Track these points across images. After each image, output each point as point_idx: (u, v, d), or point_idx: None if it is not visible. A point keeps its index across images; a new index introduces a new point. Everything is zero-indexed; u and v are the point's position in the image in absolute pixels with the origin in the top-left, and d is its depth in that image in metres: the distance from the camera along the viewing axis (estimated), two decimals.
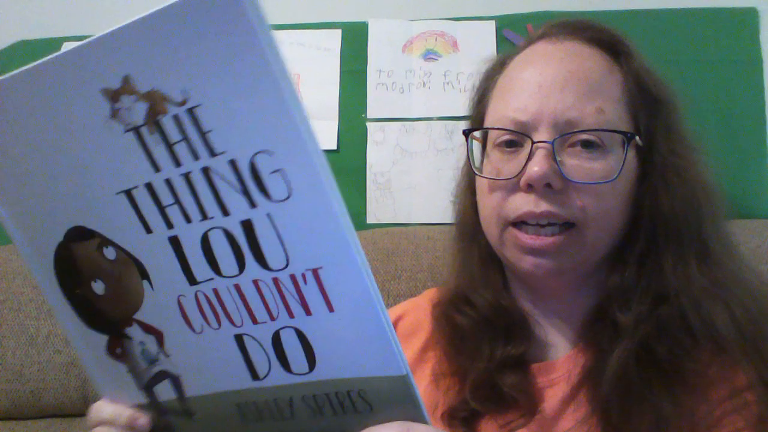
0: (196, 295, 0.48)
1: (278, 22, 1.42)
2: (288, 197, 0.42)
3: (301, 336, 0.46)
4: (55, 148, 0.47)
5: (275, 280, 0.45)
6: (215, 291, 0.47)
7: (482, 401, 0.67)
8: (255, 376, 0.50)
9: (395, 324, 0.81)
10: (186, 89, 0.41)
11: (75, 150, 0.47)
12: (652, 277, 0.65)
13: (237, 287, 0.47)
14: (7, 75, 0.46)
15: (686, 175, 0.67)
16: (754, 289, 0.66)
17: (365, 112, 1.41)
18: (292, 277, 0.45)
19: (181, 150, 0.43)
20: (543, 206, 0.64)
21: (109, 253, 0.50)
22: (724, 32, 1.33)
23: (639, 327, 0.63)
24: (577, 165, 0.64)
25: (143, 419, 0.55)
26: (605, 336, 0.65)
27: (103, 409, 0.56)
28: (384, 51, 1.43)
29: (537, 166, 0.63)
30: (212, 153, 0.43)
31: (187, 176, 0.44)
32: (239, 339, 0.49)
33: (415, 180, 1.39)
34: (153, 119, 0.43)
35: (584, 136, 0.64)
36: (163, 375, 0.53)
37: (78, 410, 1.20)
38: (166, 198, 0.45)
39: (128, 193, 0.46)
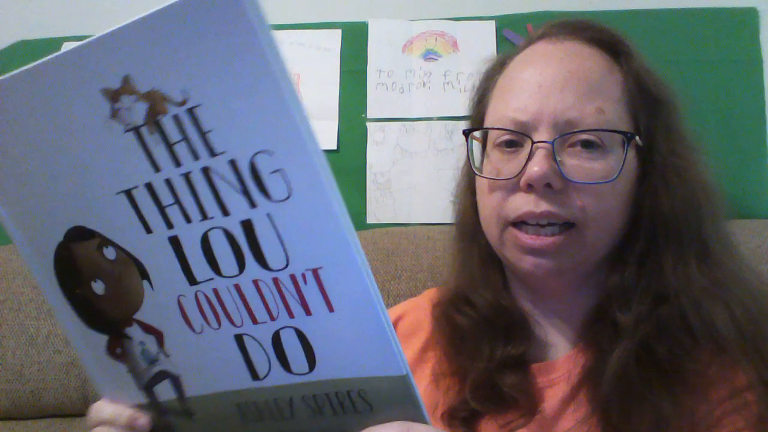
0: (196, 295, 0.48)
1: (278, 22, 1.42)
2: (288, 197, 0.42)
3: (301, 336, 0.46)
4: (55, 148, 0.47)
5: (275, 280, 0.45)
6: (215, 291, 0.47)
7: (482, 401, 0.67)
8: (255, 376, 0.49)
9: (395, 324, 0.81)
10: (186, 89, 0.41)
11: (75, 150, 0.47)
12: (652, 277, 0.65)
13: (237, 287, 0.47)
14: (8, 75, 0.46)
15: (686, 175, 0.67)
16: (754, 289, 0.66)
17: (365, 112, 1.41)
18: (292, 277, 0.45)
19: (181, 150, 0.43)
20: (543, 206, 0.64)
21: (109, 253, 0.50)
22: (724, 32, 1.33)
23: (639, 327, 0.63)
24: (577, 165, 0.64)
25: (143, 419, 0.55)
26: (605, 336, 0.65)
27: (103, 409, 0.56)
28: (384, 51, 1.43)
29: (537, 166, 0.63)
30: (212, 153, 0.43)
31: (187, 176, 0.44)
32: (239, 339, 0.49)
33: (415, 180, 1.39)
34: (153, 119, 0.43)
35: (584, 136, 0.64)
36: (163, 375, 0.53)
37: (78, 410, 1.20)
38: (166, 198, 0.45)
39: (128, 193, 0.46)
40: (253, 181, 0.42)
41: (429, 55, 1.42)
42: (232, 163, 0.42)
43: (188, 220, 0.46)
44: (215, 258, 0.46)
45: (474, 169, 0.72)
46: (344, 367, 0.47)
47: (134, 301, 0.51)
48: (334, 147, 1.40)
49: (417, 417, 0.47)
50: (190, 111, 0.42)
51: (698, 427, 0.60)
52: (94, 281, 0.52)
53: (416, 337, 0.78)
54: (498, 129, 0.68)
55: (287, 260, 0.44)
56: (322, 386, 0.48)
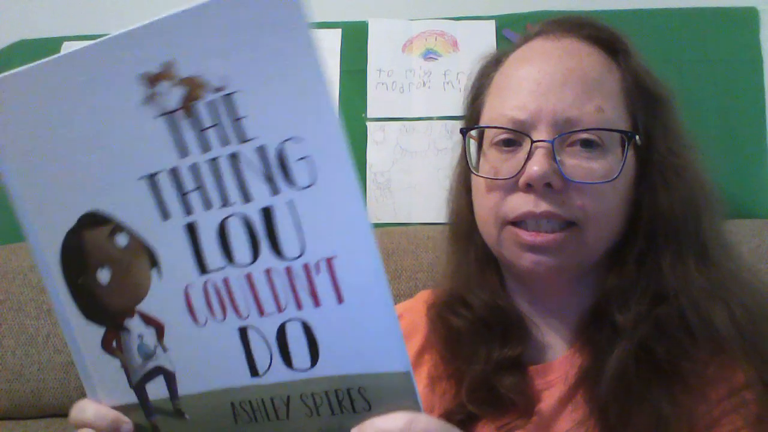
0: (204, 285, 0.49)
1: None
2: (311, 184, 0.44)
3: (306, 329, 0.47)
4: (83, 132, 0.48)
5: (288, 270, 0.46)
6: (225, 281, 0.48)
7: (479, 404, 0.67)
8: (254, 372, 0.49)
9: None
10: (225, 76, 0.43)
11: (103, 134, 0.48)
12: (650, 277, 0.65)
13: (248, 277, 0.47)
14: (48, 59, 0.47)
15: (684, 175, 0.67)
16: (752, 288, 0.65)
17: (365, 111, 1.41)
18: (305, 267, 0.45)
19: (212, 135, 0.45)
20: (543, 206, 0.63)
21: (121, 240, 0.50)
22: (724, 32, 1.33)
23: (638, 327, 0.63)
24: (577, 165, 0.64)
25: (127, 426, 0.54)
26: (603, 336, 0.64)
27: (86, 408, 0.54)
28: (384, 50, 1.43)
29: (537, 166, 0.62)
30: (242, 139, 0.44)
31: (213, 162, 0.46)
32: (243, 332, 0.49)
33: (415, 180, 1.39)
34: (188, 104, 0.44)
35: (584, 136, 0.64)
36: (157, 371, 0.52)
37: None
38: (189, 183, 0.47)
39: (151, 179, 0.47)
40: (279, 168, 0.44)
41: (429, 55, 1.42)
42: (261, 150, 0.44)
43: (208, 206, 0.47)
44: (230, 246, 0.47)
45: (471, 169, 0.71)
46: (347, 363, 0.47)
47: (139, 291, 0.51)
48: None
49: None
50: (226, 97, 0.43)
51: (697, 426, 0.59)
52: (100, 270, 0.52)
53: (412, 340, 0.77)
54: (496, 128, 0.67)
55: (302, 249, 0.45)
56: (323, 383, 0.48)
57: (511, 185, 0.66)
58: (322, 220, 0.44)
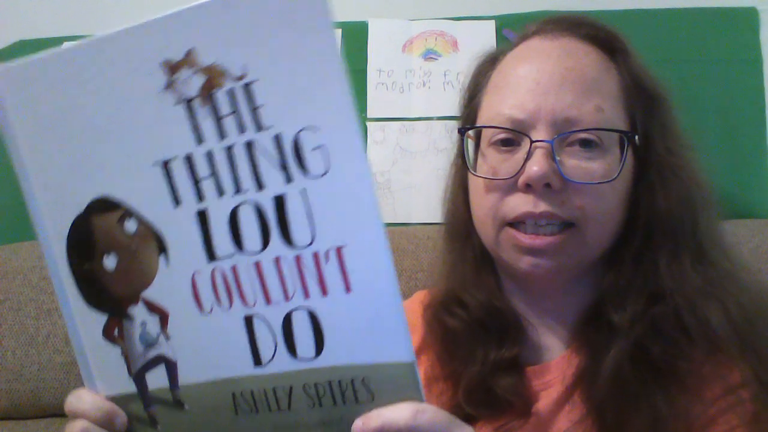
0: (212, 273, 0.49)
1: None
2: (325, 173, 0.44)
3: (313, 318, 0.47)
4: (100, 117, 0.49)
5: (297, 258, 0.46)
6: (233, 268, 0.48)
7: (476, 406, 0.67)
8: (258, 361, 0.49)
9: None
10: (246, 65, 0.44)
11: (120, 119, 0.48)
12: (647, 277, 0.65)
13: (257, 265, 0.48)
14: (70, 45, 0.48)
15: (682, 174, 0.67)
16: (749, 287, 0.65)
17: (365, 111, 1.41)
18: (315, 255, 0.46)
19: (229, 123, 0.46)
20: (542, 207, 0.63)
21: (130, 226, 0.50)
22: (724, 32, 1.33)
23: (634, 326, 0.63)
24: (576, 165, 0.63)
25: (121, 419, 0.53)
26: (600, 336, 0.64)
27: (82, 397, 0.54)
28: (384, 51, 1.43)
29: (536, 166, 0.62)
30: (259, 127, 0.45)
31: (229, 149, 0.46)
32: (248, 321, 0.49)
33: (415, 180, 1.38)
34: (207, 92, 0.45)
35: (583, 135, 0.64)
36: (158, 360, 0.52)
37: None
38: (203, 170, 0.47)
39: (165, 165, 0.48)
40: (294, 156, 0.45)
41: (429, 55, 1.42)
42: (277, 138, 0.45)
43: (221, 193, 0.47)
44: (240, 233, 0.47)
45: (469, 169, 0.71)
46: (352, 353, 0.47)
47: (146, 277, 0.51)
48: None
49: None
50: (246, 86, 0.44)
51: (693, 425, 0.59)
52: (106, 256, 0.52)
53: None
54: (495, 127, 0.67)
55: (313, 237, 0.46)
56: (326, 373, 0.48)
57: (510, 185, 0.65)
58: (334, 209, 0.45)
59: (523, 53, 0.70)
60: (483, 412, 0.67)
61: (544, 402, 0.66)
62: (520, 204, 0.64)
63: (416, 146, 1.39)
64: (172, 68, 0.46)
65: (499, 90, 0.69)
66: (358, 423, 0.47)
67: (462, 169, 0.75)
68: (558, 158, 0.63)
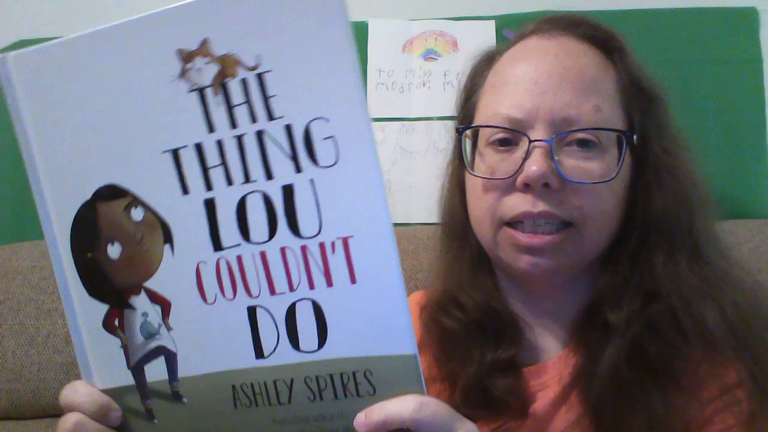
0: (217, 263, 0.49)
1: None
2: (334, 164, 0.45)
3: (317, 309, 0.47)
4: (113, 104, 0.49)
5: (303, 248, 0.47)
6: (239, 258, 0.48)
7: (473, 406, 0.67)
8: (260, 353, 0.49)
9: None
10: (260, 55, 0.45)
11: (132, 107, 0.49)
12: (643, 276, 0.65)
13: (263, 255, 0.48)
14: (85, 32, 0.48)
15: (678, 174, 0.67)
16: (745, 286, 0.65)
17: None
18: (321, 246, 0.46)
19: (241, 112, 0.46)
20: (540, 206, 0.63)
21: (137, 214, 0.50)
22: (724, 32, 1.33)
23: (630, 326, 0.62)
24: (575, 165, 0.63)
25: (116, 413, 0.52)
26: (597, 336, 0.64)
27: (78, 389, 0.53)
28: (384, 51, 1.43)
29: (535, 166, 0.62)
30: (271, 117, 0.46)
31: (239, 138, 0.47)
32: (251, 312, 0.49)
33: (415, 180, 1.39)
34: (220, 81, 0.46)
35: (581, 135, 0.63)
36: (158, 351, 0.52)
37: None
38: (212, 159, 0.48)
39: (175, 153, 0.48)
40: (304, 147, 0.45)
41: (429, 55, 1.42)
42: (288, 128, 0.45)
43: (230, 182, 0.48)
44: (247, 223, 0.48)
45: (467, 168, 0.70)
46: (355, 345, 0.47)
47: (149, 267, 0.51)
48: None
49: None
50: (259, 76, 0.45)
51: (690, 425, 0.59)
52: (111, 244, 0.52)
53: None
54: (493, 127, 0.67)
55: (320, 227, 0.46)
56: (329, 366, 0.48)
57: (508, 185, 0.65)
58: (342, 199, 0.45)
59: (521, 53, 0.69)
60: (480, 412, 0.66)
61: (541, 402, 0.66)
62: (518, 204, 0.64)
63: (416, 146, 1.39)
64: (187, 57, 0.46)
65: (497, 89, 0.69)
66: (360, 417, 0.46)
67: (459, 168, 0.75)
68: (556, 158, 0.63)
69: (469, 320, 0.71)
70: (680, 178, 0.67)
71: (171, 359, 0.52)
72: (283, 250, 0.47)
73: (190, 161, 0.48)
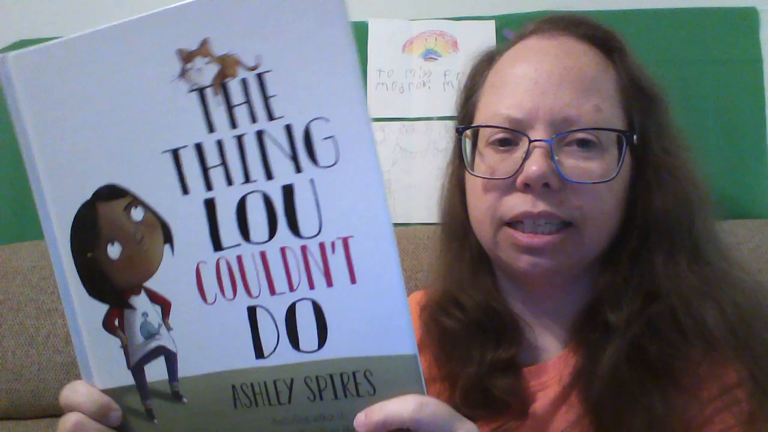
0: (217, 263, 0.49)
1: None
2: (334, 164, 0.45)
3: (317, 309, 0.47)
4: (113, 103, 0.49)
5: (303, 248, 0.47)
6: (239, 258, 0.48)
7: (473, 407, 0.66)
8: (260, 353, 0.49)
9: None
10: (260, 55, 0.45)
11: (133, 106, 0.49)
12: (643, 276, 0.65)
13: (262, 255, 0.48)
14: (86, 32, 0.49)
15: (678, 174, 0.67)
16: (744, 286, 0.65)
17: None
18: (321, 246, 0.46)
19: (241, 112, 0.46)
20: (540, 206, 0.63)
21: (137, 214, 0.50)
22: (724, 32, 1.33)
23: (630, 326, 0.62)
24: (575, 165, 0.63)
25: (116, 413, 0.52)
26: (596, 336, 0.64)
27: (78, 389, 0.53)
28: (384, 51, 1.43)
29: (536, 166, 0.62)
30: (271, 117, 0.46)
31: (239, 138, 0.47)
32: (251, 312, 0.49)
33: (415, 180, 1.39)
34: (220, 81, 0.46)
35: (581, 135, 0.63)
36: (158, 351, 0.52)
37: None
38: (212, 159, 0.48)
39: (175, 153, 0.48)
40: (304, 147, 0.45)
41: (429, 55, 1.42)
42: (288, 128, 0.45)
43: (230, 182, 0.48)
44: (247, 223, 0.48)
45: (467, 168, 0.70)
46: (355, 345, 0.47)
47: (149, 267, 0.51)
48: None
49: None
50: (260, 76, 0.45)
51: (690, 425, 0.59)
52: (111, 244, 0.52)
53: None
54: (493, 127, 0.67)
55: (320, 227, 0.46)
56: (329, 366, 0.48)
57: (508, 185, 0.65)
58: (342, 199, 0.45)
59: (521, 52, 0.69)
60: (480, 413, 0.66)
61: (541, 402, 0.66)
62: (518, 204, 0.64)
63: (416, 146, 1.39)
64: (187, 57, 0.46)
65: (497, 89, 0.69)
66: (360, 417, 0.46)
67: (459, 168, 0.75)
68: (556, 158, 0.63)
69: (469, 320, 0.71)
70: (680, 178, 0.67)
71: (171, 359, 0.52)
72: (283, 250, 0.47)
73: (190, 161, 0.48)
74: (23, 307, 1.23)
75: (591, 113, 0.63)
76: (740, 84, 1.32)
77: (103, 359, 0.54)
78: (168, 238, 0.50)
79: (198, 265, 0.50)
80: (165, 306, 0.51)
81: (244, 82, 0.46)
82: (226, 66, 0.46)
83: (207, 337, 0.51)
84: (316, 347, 0.48)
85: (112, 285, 0.52)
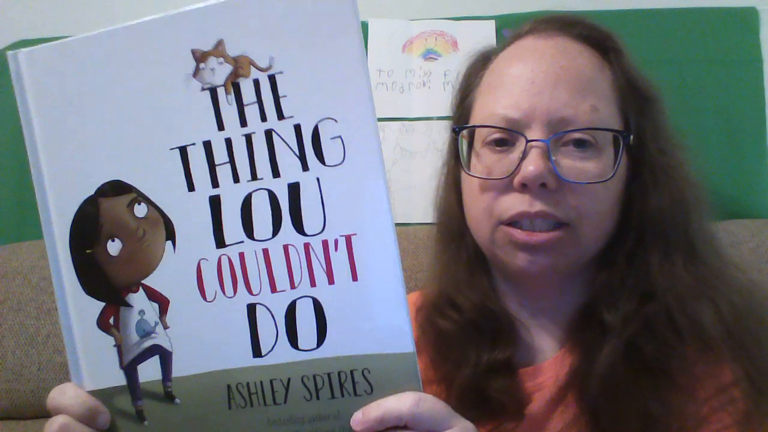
0: (219, 260, 0.50)
1: None
2: (341, 162, 0.46)
3: (317, 307, 0.48)
4: (126, 100, 0.50)
5: (306, 246, 0.48)
6: (241, 255, 0.49)
7: (469, 408, 0.65)
8: (257, 352, 0.50)
9: None
10: (273, 57, 0.46)
11: (145, 103, 0.50)
12: (639, 276, 0.65)
13: (265, 252, 0.49)
14: (100, 31, 0.50)
15: (674, 174, 0.67)
16: (740, 286, 0.65)
17: None
18: (324, 243, 0.47)
19: (251, 112, 0.48)
20: (537, 206, 0.63)
21: (140, 210, 0.51)
22: (724, 32, 1.33)
23: (626, 326, 0.63)
24: (572, 165, 0.63)
25: (104, 416, 0.52)
26: (593, 336, 0.64)
27: (66, 391, 0.52)
28: (384, 51, 1.43)
29: (533, 166, 0.62)
30: (280, 116, 0.47)
31: (249, 137, 0.48)
32: (251, 309, 0.49)
33: (415, 180, 1.38)
34: (233, 81, 0.47)
35: (578, 135, 0.64)
36: (153, 350, 0.52)
37: None
38: (220, 157, 0.49)
39: (183, 150, 0.49)
40: (312, 146, 0.47)
41: (429, 55, 1.42)
42: (297, 128, 0.47)
43: (236, 180, 0.49)
44: (252, 220, 0.49)
45: (464, 169, 0.70)
46: (354, 343, 0.48)
47: (150, 264, 0.51)
48: None
49: None
50: (272, 77, 0.47)
51: (686, 425, 0.59)
52: (111, 240, 0.52)
53: None
54: (490, 127, 0.67)
55: (324, 225, 0.47)
56: (327, 364, 0.48)
57: (505, 185, 0.65)
58: (347, 198, 0.47)
59: (517, 52, 0.69)
60: (476, 414, 0.66)
61: (537, 403, 0.66)
62: (515, 204, 0.64)
63: (416, 146, 1.39)
64: (201, 57, 0.48)
65: (493, 89, 0.69)
66: (357, 415, 0.47)
67: (455, 169, 0.75)
68: (553, 158, 0.63)
69: (465, 321, 0.71)
70: (676, 178, 0.67)
71: (165, 358, 0.52)
72: (285, 248, 0.48)
73: (198, 158, 0.49)
74: (23, 307, 1.23)
75: (587, 113, 0.64)
76: (740, 84, 1.31)
77: (95, 358, 0.53)
78: (170, 234, 0.50)
79: (199, 262, 0.50)
80: (163, 303, 0.51)
81: (256, 83, 0.47)
82: (240, 66, 0.47)
83: (204, 336, 0.51)
84: (314, 345, 0.48)
85: (110, 282, 0.53)
